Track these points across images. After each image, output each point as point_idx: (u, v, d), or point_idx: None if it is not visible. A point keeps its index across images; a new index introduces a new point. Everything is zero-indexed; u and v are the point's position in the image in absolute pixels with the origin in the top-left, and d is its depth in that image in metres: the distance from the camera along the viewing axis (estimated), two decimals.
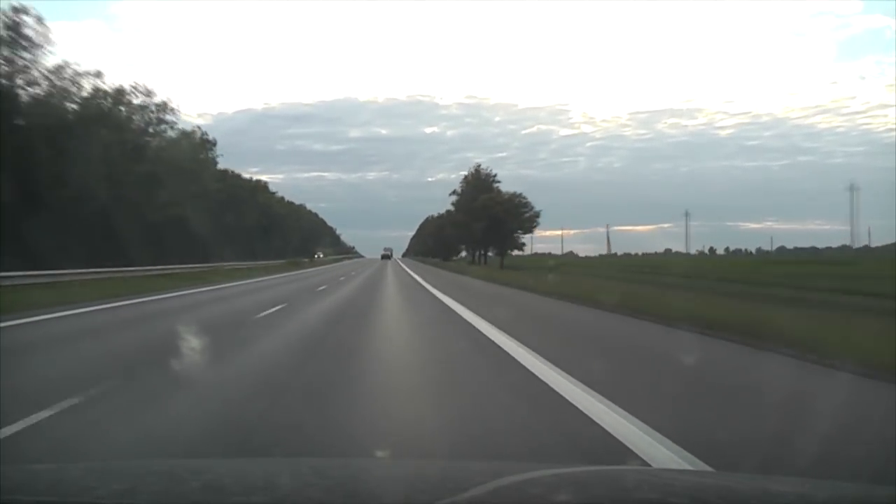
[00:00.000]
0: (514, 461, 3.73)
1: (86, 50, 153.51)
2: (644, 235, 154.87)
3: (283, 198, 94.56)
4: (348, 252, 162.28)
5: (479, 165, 79.63)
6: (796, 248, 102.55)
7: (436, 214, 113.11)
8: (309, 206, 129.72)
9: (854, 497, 1.86)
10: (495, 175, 78.08)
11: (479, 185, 74.63)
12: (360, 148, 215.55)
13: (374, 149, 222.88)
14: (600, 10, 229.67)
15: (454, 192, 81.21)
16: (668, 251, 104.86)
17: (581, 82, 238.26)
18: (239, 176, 69.09)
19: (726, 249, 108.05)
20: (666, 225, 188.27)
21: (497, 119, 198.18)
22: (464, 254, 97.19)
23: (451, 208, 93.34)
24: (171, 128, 43.78)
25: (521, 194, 72.06)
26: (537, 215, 70.81)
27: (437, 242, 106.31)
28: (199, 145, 51.12)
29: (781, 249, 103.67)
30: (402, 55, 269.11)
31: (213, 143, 54.42)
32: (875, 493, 1.93)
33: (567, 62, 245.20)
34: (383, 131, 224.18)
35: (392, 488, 2.02)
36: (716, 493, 1.89)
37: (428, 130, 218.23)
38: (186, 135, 48.54)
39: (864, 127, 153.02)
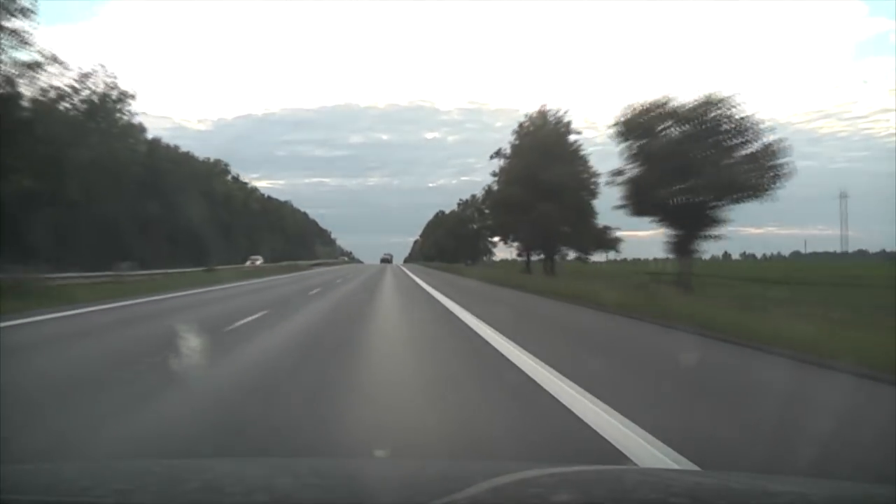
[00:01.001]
0: (514, 461, 3.65)
1: (81, 53, 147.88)
2: (645, 241, 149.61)
3: (255, 189, 78.41)
4: (336, 257, 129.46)
5: (545, 106, 43.09)
6: (814, 253, 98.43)
7: (447, 211, 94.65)
8: (310, 212, 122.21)
9: (854, 497, 1.85)
10: (569, 122, 42.07)
11: (544, 140, 40.36)
12: (361, 153, 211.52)
13: (375, 154, 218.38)
14: (602, 16, 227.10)
15: (498, 154, 47.00)
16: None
17: (583, 87, 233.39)
18: (188, 154, 53.57)
19: (742, 254, 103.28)
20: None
21: (498, 124, 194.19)
22: (500, 256, 72.12)
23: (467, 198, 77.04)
24: (28, 45, 24.58)
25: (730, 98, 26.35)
26: (770, 151, 25.34)
27: (458, 241, 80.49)
28: (99, 95, 33.54)
29: (796, 254, 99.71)
30: (403, 60, 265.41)
31: (130, 96, 35.41)
32: (875, 493, 1.92)
33: (569, 67, 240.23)
34: (384, 137, 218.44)
35: (391, 488, 1.99)
36: (716, 493, 1.88)
37: (429, 136, 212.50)
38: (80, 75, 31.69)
39: (866, 132, 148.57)
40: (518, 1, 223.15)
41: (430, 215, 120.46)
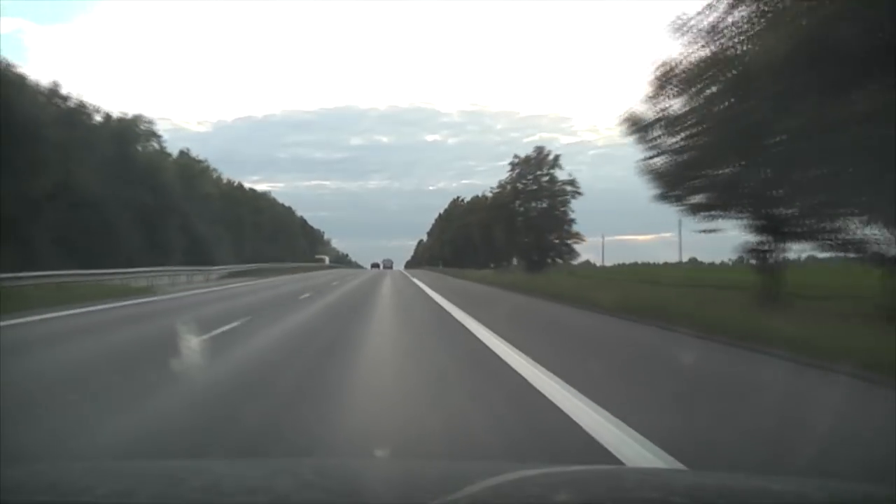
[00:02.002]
0: (514, 461, 3.62)
1: (79, 54, 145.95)
2: (645, 245, 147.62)
3: (207, 167, 58.84)
4: (310, 259, 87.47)
5: None
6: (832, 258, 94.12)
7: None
8: (309, 215, 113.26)
9: (854, 497, 1.83)
10: None
11: None
12: (362, 156, 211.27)
13: (376, 157, 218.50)
14: (604, 17, 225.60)
15: None
16: (693, 260, 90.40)
17: (584, 90, 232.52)
18: (76, 105, 35.00)
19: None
20: (667, 234, 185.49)
21: (499, 127, 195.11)
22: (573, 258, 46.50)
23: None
24: None
25: None
26: None
27: (508, 233, 47.50)
28: None
29: (812, 258, 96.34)
30: (404, 63, 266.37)
31: None
32: (875, 493, 1.91)
33: (570, 70, 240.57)
34: (384, 139, 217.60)
35: (392, 488, 1.99)
36: (716, 493, 1.87)
37: (429, 138, 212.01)
38: None
39: None
40: (520, 3, 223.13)
41: (431, 219, 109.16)
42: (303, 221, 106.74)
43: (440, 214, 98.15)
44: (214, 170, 62.38)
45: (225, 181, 66.52)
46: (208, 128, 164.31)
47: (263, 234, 70.01)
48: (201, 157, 58.62)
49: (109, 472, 2.15)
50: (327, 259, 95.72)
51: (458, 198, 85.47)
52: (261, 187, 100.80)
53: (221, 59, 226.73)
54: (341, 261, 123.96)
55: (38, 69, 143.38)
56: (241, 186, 73.05)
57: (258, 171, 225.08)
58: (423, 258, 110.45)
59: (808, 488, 1.94)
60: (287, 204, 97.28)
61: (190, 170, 52.04)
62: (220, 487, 1.89)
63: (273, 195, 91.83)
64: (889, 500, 1.80)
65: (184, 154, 54.27)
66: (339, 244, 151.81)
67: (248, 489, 1.90)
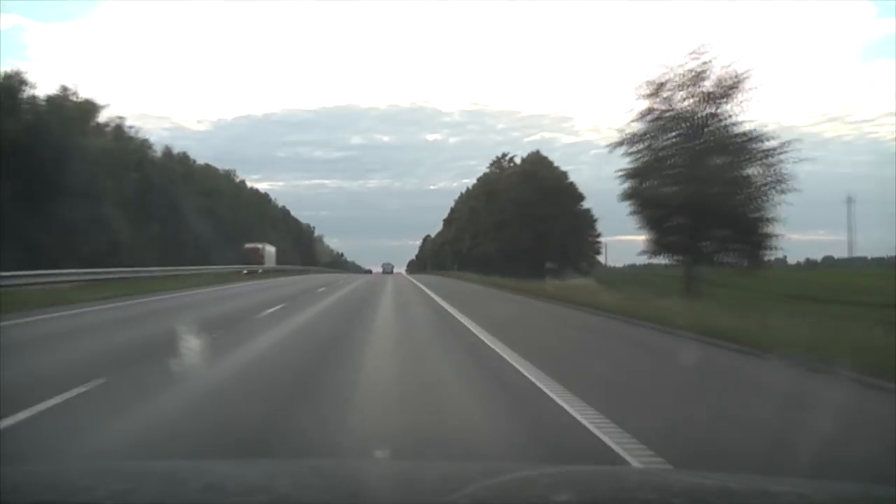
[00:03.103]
0: (514, 461, 3.66)
1: (79, 53, 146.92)
2: (639, 245, 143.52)
3: (91, 105, 36.54)
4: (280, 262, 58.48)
5: None
6: (808, 260, 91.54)
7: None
8: (309, 214, 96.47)
9: (854, 497, 1.84)
10: None
11: None
12: (362, 155, 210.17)
13: (376, 156, 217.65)
14: (604, 17, 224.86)
15: None
16: None
17: (585, 89, 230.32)
18: None
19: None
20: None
21: (500, 126, 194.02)
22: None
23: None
24: None
25: None
26: None
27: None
28: None
29: (828, 259, 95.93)
30: (405, 61, 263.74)
31: None
32: (875, 493, 1.92)
33: (572, 69, 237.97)
34: (385, 138, 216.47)
35: (391, 488, 2.00)
36: (716, 493, 1.88)
37: (430, 138, 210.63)
38: None
39: (872, 136, 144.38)
40: (521, 2, 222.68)
41: (431, 219, 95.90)
42: (285, 213, 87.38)
43: (461, 195, 74.30)
44: (132, 127, 42.46)
45: (162, 149, 48.59)
46: (208, 126, 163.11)
47: (215, 225, 48.30)
48: (102, 102, 38.17)
49: (109, 472, 2.16)
50: (271, 253, 53.89)
51: (504, 154, 62.40)
52: (261, 186, 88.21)
53: (221, 58, 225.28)
54: (335, 263, 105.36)
55: (39, 68, 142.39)
56: (186, 158, 54.08)
57: (258, 170, 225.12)
58: (437, 258, 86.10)
59: (808, 488, 1.95)
60: (287, 203, 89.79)
61: (60, 113, 31.32)
62: (220, 487, 1.90)
63: (267, 191, 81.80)
64: (889, 501, 1.81)
65: (66, 89, 34.22)
66: (339, 244, 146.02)
67: (248, 489, 1.90)
